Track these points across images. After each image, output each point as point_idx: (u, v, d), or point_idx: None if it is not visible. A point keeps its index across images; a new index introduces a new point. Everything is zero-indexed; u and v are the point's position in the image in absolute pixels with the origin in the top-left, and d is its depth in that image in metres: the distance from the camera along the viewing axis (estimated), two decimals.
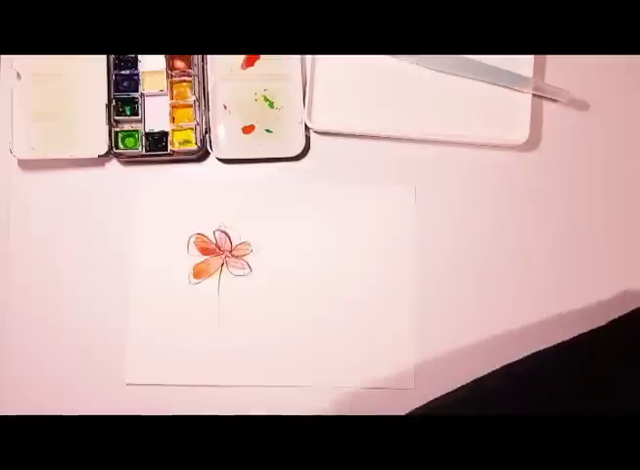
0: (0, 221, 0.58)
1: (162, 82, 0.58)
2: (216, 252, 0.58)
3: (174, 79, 0.58)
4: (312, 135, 0.59)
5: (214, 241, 0.58)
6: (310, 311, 0.57)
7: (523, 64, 0.58)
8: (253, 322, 0.57)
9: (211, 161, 0.59)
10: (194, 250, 0.58)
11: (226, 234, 0.58)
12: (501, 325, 0.58)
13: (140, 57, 0.58)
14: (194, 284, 0.58)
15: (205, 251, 0.58)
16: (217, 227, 0.58)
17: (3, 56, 0.59)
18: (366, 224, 0.58)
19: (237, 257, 0.58)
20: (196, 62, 0.58)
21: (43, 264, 0.58)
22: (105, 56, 0.58)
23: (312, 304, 0.58)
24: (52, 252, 0.58)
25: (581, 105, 0.59)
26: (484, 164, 0.59)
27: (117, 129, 0.58)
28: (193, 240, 0.58)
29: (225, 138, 0.58)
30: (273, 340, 0.57)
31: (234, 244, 0.58)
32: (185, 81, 0.59)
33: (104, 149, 0.57)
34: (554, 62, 0.60)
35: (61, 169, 0.59)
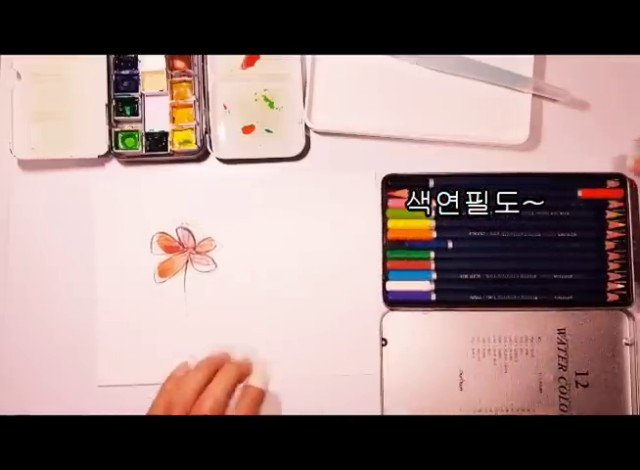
0: (0, 221, 0.58)
1: (162, 82, 0.58)
2: (180, 249, 0.58)
3: (174, 79, 0.58)
4: (312, 135, 0.59)
5: (177, 238, 0.58)
6: (280, 305, 0.57)
7: (523, 64, 0.58)
8: (222, 318, 0.57)
9: (211, 161, 0.59)
10: (157, 248, 0.58)
11: (189, 231, 0.58)
12: None
13: (140, 57, 0.58)
14: (159, 283, 0.58)
15: (168, 249, 0.58)
16: (179, 225, 0.58)
17: (3, 56, 0.59)
18: (338, 217, 0.58)
19: (201, 253, 0.58)
20: (196, 62, 0.58)
21: (43, 264, 0.58)
22: (105, 56, 0.58)
23: (282, 297, 0.57)
24: (52, 251, 0.58)
25: (581, 105, 0.59)
26: (484, 165, 0.59)
27: (117, 129, 0.58)
28: (155, 239, 0.58)
29: (225, 138, 0.58)
30: (243, 336, 0.57)
31: (197, 240, 0.58)
32: (185, 81, 0.59)
33: (104, 149, 0.57)
34: (554, 62, 0.60)
35: (61, 169, 0.59)
